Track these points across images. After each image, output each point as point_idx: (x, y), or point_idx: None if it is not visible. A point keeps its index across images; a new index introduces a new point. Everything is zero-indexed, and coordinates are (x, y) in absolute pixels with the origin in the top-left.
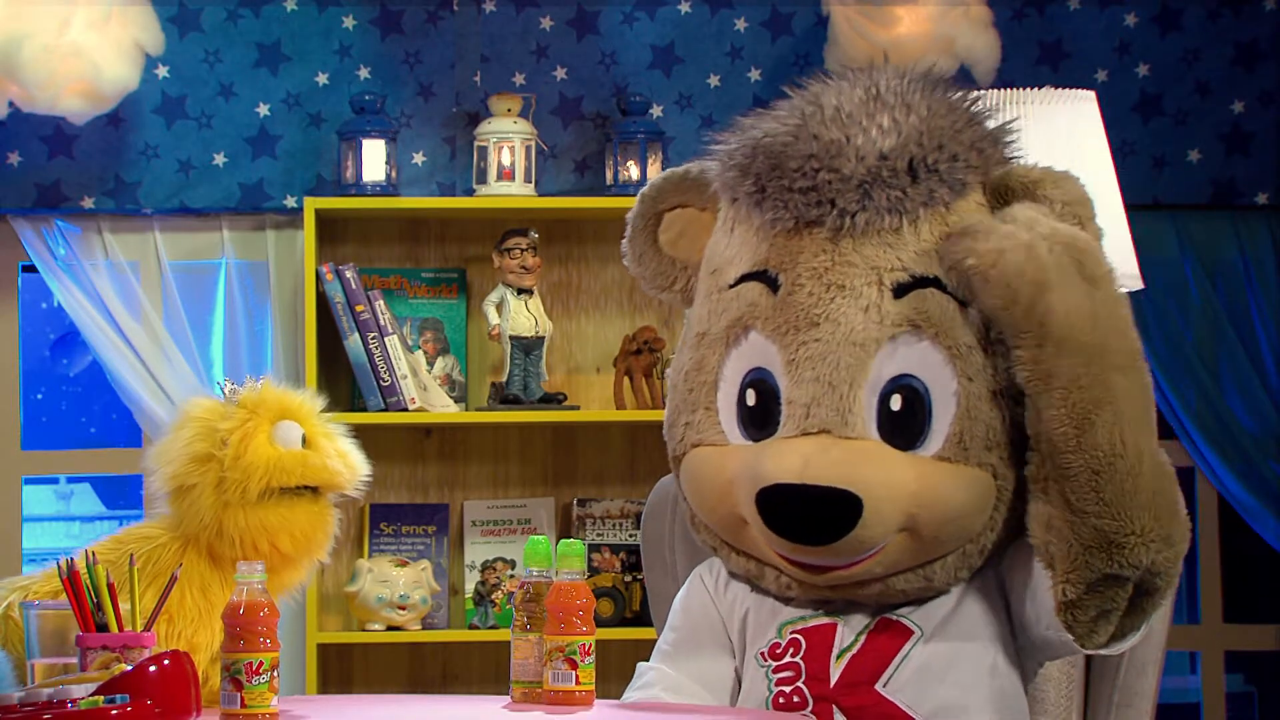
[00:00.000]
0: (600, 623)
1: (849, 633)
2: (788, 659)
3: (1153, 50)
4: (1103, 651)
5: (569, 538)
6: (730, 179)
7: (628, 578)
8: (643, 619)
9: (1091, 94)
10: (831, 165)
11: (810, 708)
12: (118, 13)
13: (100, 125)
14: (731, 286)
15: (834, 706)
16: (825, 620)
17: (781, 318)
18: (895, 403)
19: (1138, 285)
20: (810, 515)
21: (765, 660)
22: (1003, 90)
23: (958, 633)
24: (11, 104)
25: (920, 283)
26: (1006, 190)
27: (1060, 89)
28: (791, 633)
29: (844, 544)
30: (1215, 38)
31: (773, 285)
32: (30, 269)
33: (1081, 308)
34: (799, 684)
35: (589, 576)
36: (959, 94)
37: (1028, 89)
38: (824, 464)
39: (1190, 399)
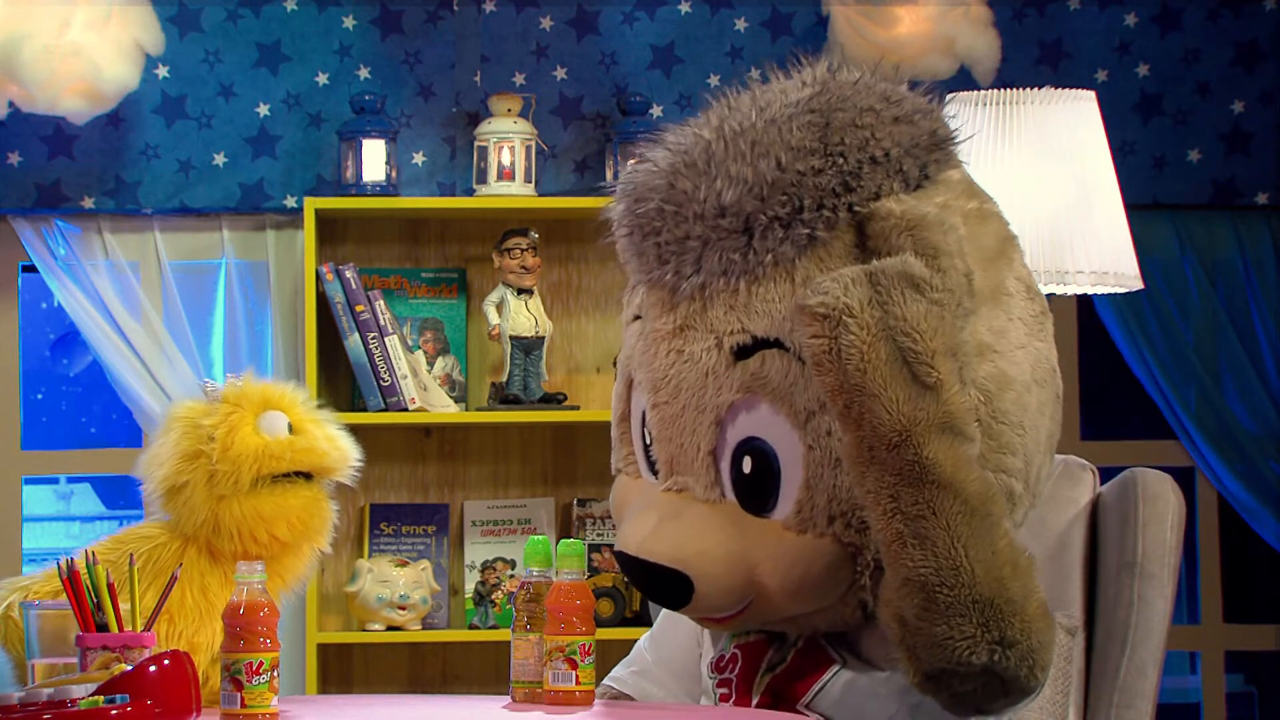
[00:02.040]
0: (600, 623)
1: (778, 651)
2: (727, 673)
3: (1153, 50)
4: None
5: (569, 538)
6: (614, 216)
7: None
8: (643, 619)
9: (1091, 94)
10: (673, 223)
11: None
12: (118, 13)
13: (100, 125)
14: (629, 323)
15: None
16: (760, 636)
17: (645, 374)
18: (746, 465)
19: (1138, 285)
20: (648, 587)
21: (713, 673)
22: (1003, 90)
23: (881, 658)
24: (11, 104)
25: (762, 344)
26: (874, 235)
27: (1060, 89)
28: (735, 646)
29: (692, 610)
30: (1215, 38)
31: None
32: (30, 269)
33: (894, 421)
34: (731, 701)
35: (589, 576)
36: (853, 105)
37: (1028, 89)
38: (661, 538)
39: (1190, 399)
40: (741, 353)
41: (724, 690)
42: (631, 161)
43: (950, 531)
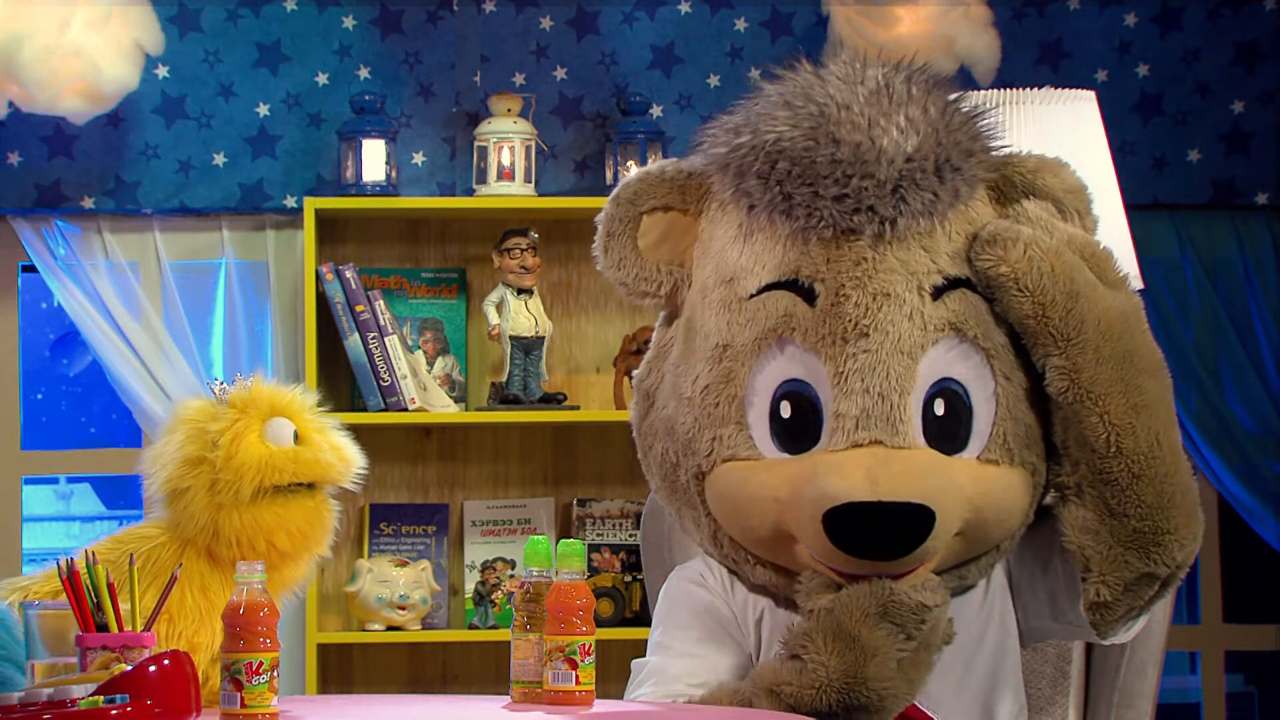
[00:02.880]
0: (600, 623)
1: None
2: None
3: (1153, 50)
4: (1108, 641)
5: (569, 538)
6: (750, 187)
7: (628, 578)
8: (643, 619)
9: (1091, 94)
10: (864, 171)
11: None
12: (118, 13)
13: (100, 125)
14: (753, 296)
15: None
16: None
17: (825, 329)
18: (938, 407)
19: (1138, 285)
20: (885, 532)
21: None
22: (1003, 90)
23: (979, 630)
24: (11, 104)
25: (954, 284)
26: (1007, 183)
27: (1060, 89)
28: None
29: (914, 555)
30: (1215, 38)
31: (807, 295)
32: (30, 269)
33: (1110, 314)
34: None
35: (589, 576)
36: (952, 90)
37: (1028, 89)
38: (891, 479)
39: (1190, 399)
40: (937, 293)
41: None
42: (718, 132)
43: (1160, 422)
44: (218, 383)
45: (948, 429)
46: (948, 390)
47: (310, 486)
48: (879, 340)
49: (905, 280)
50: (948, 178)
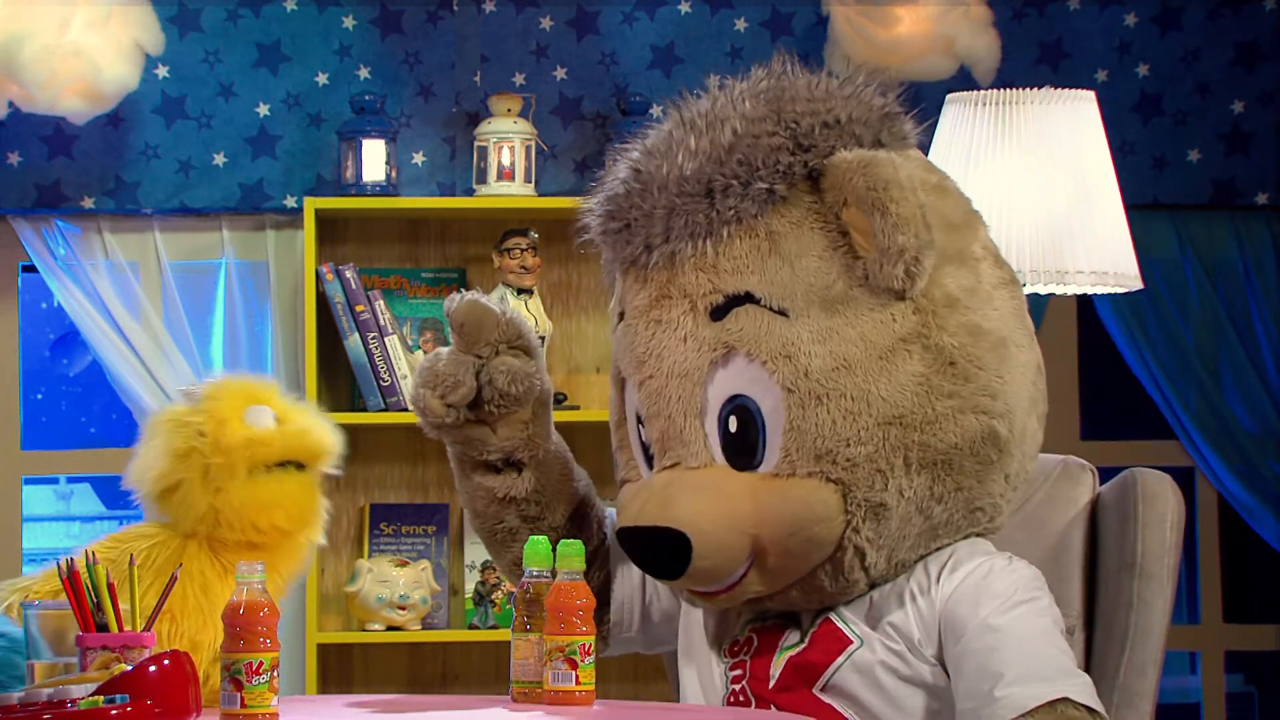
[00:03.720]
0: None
1: (796, 632)
2: (740, 656)
3: (1153, 50)
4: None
5: (569, 538)
6: (593, 222)
7: None
8: None
9: (1091, 94)
10: (639, 200)
11: (753, 706)
12: (118, 13)
13: (100, 125)
14: (615, 328)
15: (773, 707)
16: (780, 620)
17: (627, 359)
18: (732, 424)
19: (1138, 285)
20: (647, 554)
21: (725, 657)
22: (1003, 90)
23: (899, 640)
24: (11, 104)
25: (734, 301)
26: (829, 187)
27: (1060, 89)
28: (750, 630)
29: (693, 576)
30: (1215, 38)
31: None
32: (30, 269)
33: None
34: (744, 683)
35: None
36: (800, 88)
37: (1028, 89)
38: (656, 503)
39: (1190, 399)
40: (716, 313)
41: (737, 672)
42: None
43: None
44: (185, 387)
45: (741, 444)
46: (739, 407)
47: (300, 467)
48: (656, 366)
49: (679, 304)
50: (719, 199)
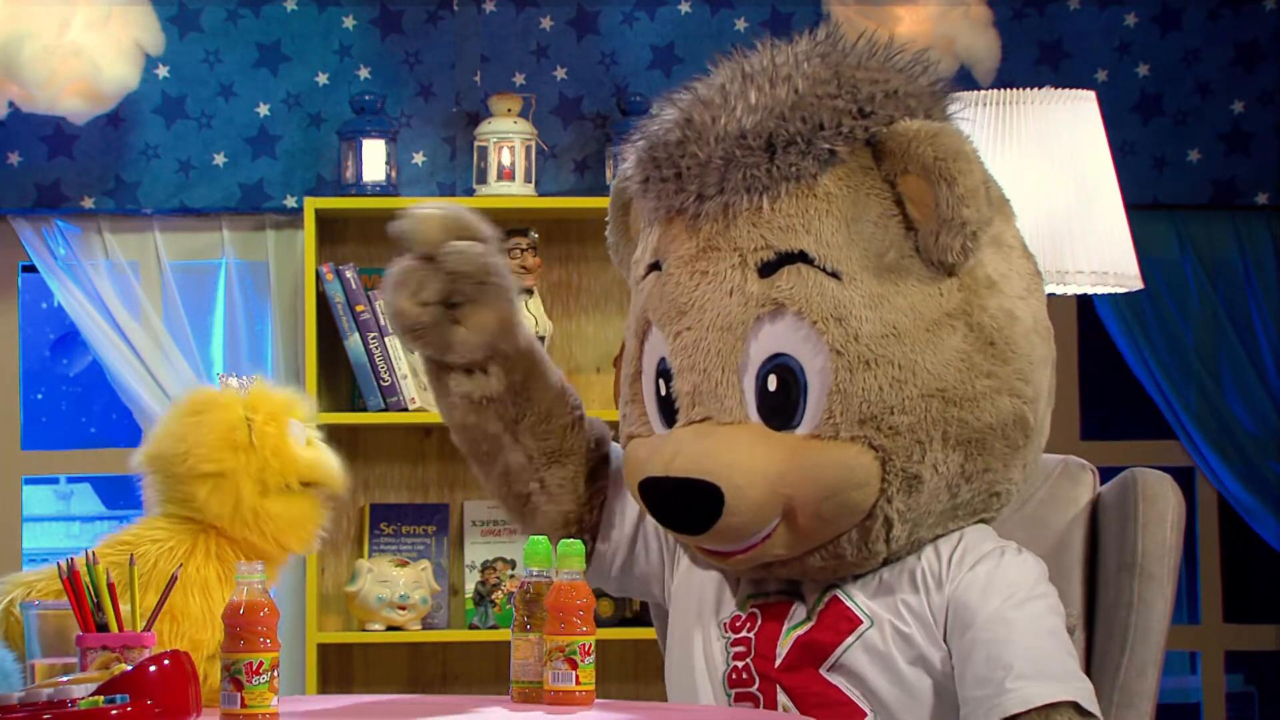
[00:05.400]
0: (600, 623)
1: (802, 609)
2: (744, 633)
3: (1153, 50)
4: None
5: (569, 537)
6: (629, 172)
7: None
8: (643, 619)
9: (1091, 94)
10: (693, 150)
11: (756, 685)
12: (118, 13)
13: (100, 125)
14: (641, 280)
15: (778, 686)
16: (783, 596)
17: (663, 309)
18: (771, 383)
19: (1138, 285)
20: (674, 506)
21: (726, 632)
22: (1003, 90)
23: (910, 622)
24: (11, 104)
25: (785, 259)
26: (887, 153)
27: (1060, 89)
28: (752, 606)
29: (719, 532)
30: (1215, 38)
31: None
32: (30, 269)
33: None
34: (749, 660)
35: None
36: (858, 55)
37: (1028, 89)
38: (689, 454)
39: (1190, 399)
40: (766, 269)
41: (740, 649)
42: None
43: None
44: (229, 376)
45: (780, 404)
46: (782, 365)
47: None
48: (696, 318)
49: (728, 257)
50: (780, 154)
